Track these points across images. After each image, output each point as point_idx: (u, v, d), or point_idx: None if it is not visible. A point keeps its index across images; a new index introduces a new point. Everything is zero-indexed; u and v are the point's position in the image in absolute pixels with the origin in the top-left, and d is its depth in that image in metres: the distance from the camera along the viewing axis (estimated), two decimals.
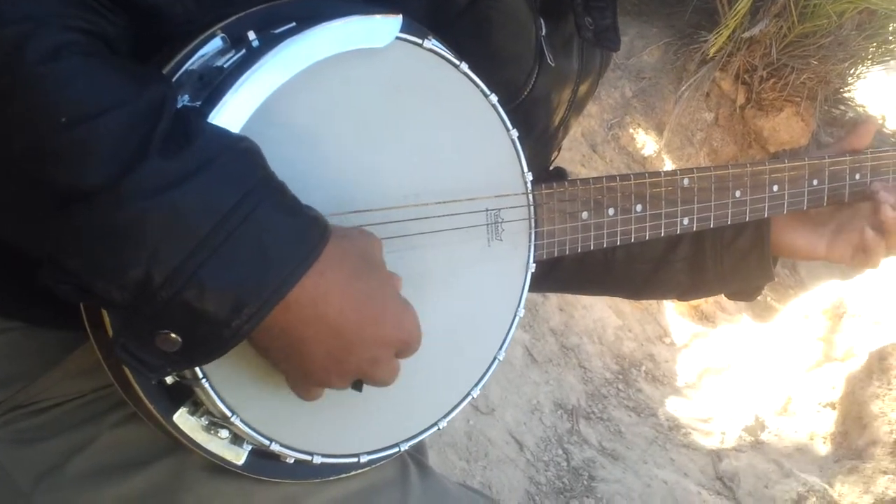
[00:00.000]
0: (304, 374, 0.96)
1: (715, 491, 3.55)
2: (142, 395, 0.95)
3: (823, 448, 3.93)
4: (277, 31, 0.97)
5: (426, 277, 1.11)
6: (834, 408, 4.00)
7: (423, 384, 1.19)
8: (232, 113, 0.91)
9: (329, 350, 0.92)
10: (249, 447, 1.04)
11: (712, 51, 5.30)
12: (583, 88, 1.49)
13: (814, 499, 3.51)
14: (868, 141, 1.63)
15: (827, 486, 3.61)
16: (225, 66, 0.93)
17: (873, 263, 1.53)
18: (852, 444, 3.86)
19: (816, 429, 3.99)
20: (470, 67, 1.14)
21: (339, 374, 0.96)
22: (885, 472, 3.64)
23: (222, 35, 0.95)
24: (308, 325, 0.89)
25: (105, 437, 1.10)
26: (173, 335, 0.83)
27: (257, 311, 0.84)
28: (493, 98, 1.18)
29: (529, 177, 1.25)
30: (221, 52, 0.95)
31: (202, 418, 0.99)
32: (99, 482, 1.09)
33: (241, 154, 0.86)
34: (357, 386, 1.00)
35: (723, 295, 1.74)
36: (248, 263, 0.83)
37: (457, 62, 1.13)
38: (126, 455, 1.11)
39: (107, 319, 0.89)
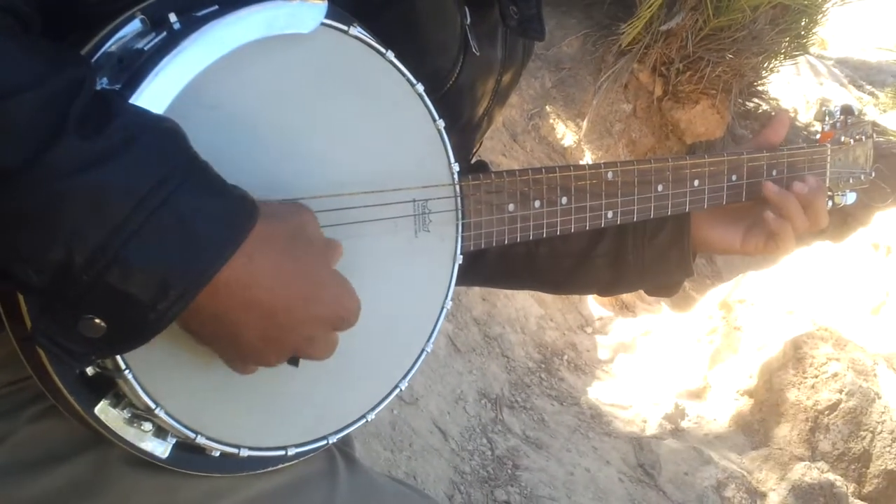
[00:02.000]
0: (239, 354, 0.94)
1: (636, 479, 3.60)
2: (61, 387, 0.92)
3: (741, 435, 4.00)
4: (199, 13, 0.94)
5: (353, 269, 1.09)
6: (751, 396, 4.07)
7: (351, 376, 1.17)
8: (153, 96, 0.88)
9: (263, 332, 0.90)
10: (174, 440, 1.01)
11: (625, 42, 5.36)
12: (506, 78, 1.49)
13: (733, 485, 3.57)
14: (783, 135, 1.67)
15: (746, 473, 3.68)
16: (145, 48, 0.90)
17: (784, 247, 1.56)
18: (769, 431, 3.93)
19: (734, 416, 4.06)
20: (396, 56, 1.13)
21: (275, 352, 0.94)
22: (801, 459, 3.72)
23: (141, 17, 0.92)
24: (239, 308, 0.87)
25: (22, 432, 1.06)
26: (97, 320, 0.80)
27: (184, 294, 0.81)
28: (420, 87, 1.17)
29: (456, 167, 1.24)
30: (141, 35, 0.92)
31: (124, 410, 0.96)
32: (17, 478, 1.06)
33: (163, 133, 0.83)
34: (293, 361, 0.98)
35: (643, 291, 1.76)
36: (172, 244, 0.80)
37: (383, 50, 1.11)
38: (45, 450, 1.07)
39: (24, 307, 0.86)
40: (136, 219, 0.78)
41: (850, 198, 1.79)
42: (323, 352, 0.98)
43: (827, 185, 1.71)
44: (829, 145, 1.73)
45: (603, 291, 1.76)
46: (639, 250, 1.61)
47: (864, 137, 1.81)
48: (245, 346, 0.91)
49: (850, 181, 1.81)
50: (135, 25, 0.92)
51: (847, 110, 1.79)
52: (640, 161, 1.47)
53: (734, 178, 1.57)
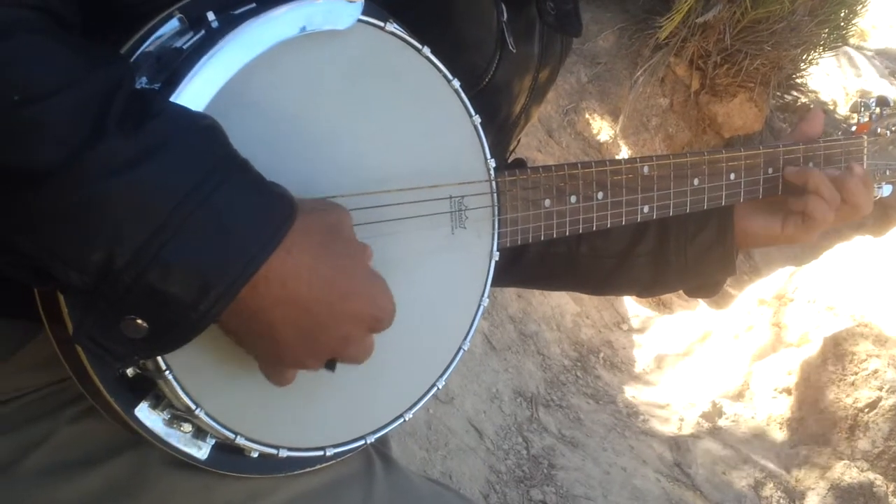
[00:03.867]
0: (277, 355, 0.93)
1: (673, 478, 3.58)
2: (101, 388, 0.92)
3: (780, 434, 3.97)
4: (237, 12, 0.94)
5: (390, 266, 1.08)
6: (790, 394, 4.04)
7: (389, 376, 1.17)
8: (192, 95, 0.88)
9: (301, 329, 0.90)
10: (213, 441, 1.01)
11: (663, 35, 5.33)
12: (543, 75, 1.48)
13: (771, 484, 3.54)
14: (819, 128, 1.66)
15: (784, 472, 3.65)
16: (184, 47, 0.90)
17: (820, 222, 1.54)
18: (808, 429, 3.90)
19: (773, 415, 4.03)
20: (432, 52, 1.12)
21: (312, 353, 0.94)
22: (840, 458, 3.69)
23: (179, 16, 0.92)
24: (278, 305, 0.87)
25: (62, 433, 1.07)
26: (139, 321, 0.80)
27: (225, 293, 0.81)
28: (456, 83, 1.17)
29: (493, 164, 1.24)
30: (179, 34, 0.92)
31: (164, 412, 0.96)
32: (56, 479, 1.06)
33: (203, 131, 0.83)
34: (330, 366, 0.97)
35: (683, 292, 1.75)
36: (212, 243, 0.80)
37: (419, 46, 1.11)
38: (84, 451, 1.07)
39: (64, 308, 0.86)
40: (177, 219, 0.78)
41: (887, 190, 1.77)
42: (359, 353, 0.98)
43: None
44: (865, 136, 1.71)
45: (643, 292, 1.75)
46: (681, 250, 1.59)
47: None
48: (283, 343, 0.91)
49: (887, 173, 1.79)
50: (173, 24, 0.92)
51: (883, 101, 1.77)
52: (675, 155, 1.46)
53: (770, 170, 1.56)
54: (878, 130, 1.75)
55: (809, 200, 1.53)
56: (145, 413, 0.95)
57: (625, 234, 1.58)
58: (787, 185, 1.58)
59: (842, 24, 6.36)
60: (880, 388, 3.77)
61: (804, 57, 6.19)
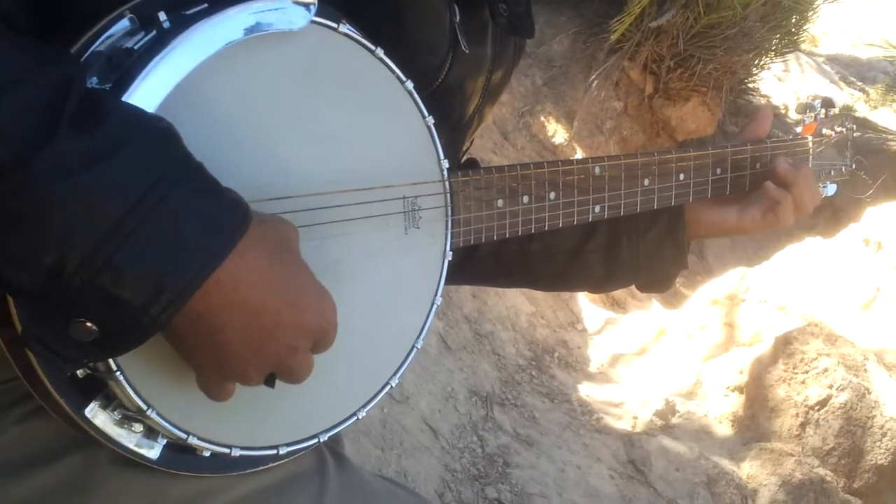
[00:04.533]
0: (220, 363, 0.92)
1: (627, 475, 3.60)
2: (50, 388, 0.90)
3: (732, 431, 4.01)
4: (189, 12, 0.93)
5: (343, 266, 1.09)
6: (742, 392, 4.08)
7: (342, 374, 1.16)
8: (144, 96, 0.87)
9: (248, 337, 0.89)
10: (164, 441, 1.00)
11: (614, 37, 5.37)
12: (497, 76, 1.49)
13: (723, 481, 3.58)
14: (767, 128, 1.68)
15: (736, 469, 3.69)
16: (135, 47, 0.89)
17: (784, 219, 1.56)
18: (760, 427, 3.94)
19: (725, 412, 4.07)
20: (385, 53, 1.13)
21: (257, 363, 0.92)
22: (791, 455, 3.73)
23: (130, 16, 0.91)
24: (227, 309, 0.86)
25: (9, 433, 1.05)
26: (89, 324, 0.79)
27: (177, 297, 0.80)
28: (409, 84, 1.16)
29: (446, 164, 1.24)
30: (130, 34, 0.91)
31: (115, 412, 0.95)
32: (3, 479, 1.04)
33: (158, 134, 0.82)
34: (270, 382, 0.97)
35: (635, 287, 1.76)
36: (165, 247, 0.79)
37: (372, 47, 1.11)
38: (32, 451, 1.05)
39: (13, 310, 0.84)
40: (130, 222, 0.77)
41: (831, 189, 1.81)
42: (302, 368, 0.96)
43: None
44: (810, 138, 1.74)
45: (596, 288, 1.75)
46: (633, 245, 1.60)
47: (844, 130, 1.83)
48: (228, 351, 0.89)
49: (832, 173, 1.82)
50: (124, 24, 0.91)
51: (828, 103, 1.80)
52: (626, 155, 1.47)
53: (719, 171, 1.58)
54: (824, 131, 1.78)
55: (783, 196, 1.55)
56: (95, 413, 0.94)
57: (576, 231, 1.58)
58: (758, 180, 1.61)
59: (793, 29, 6.44)
60: (830, 387, 3.82)
61: (756, 62, 6.27)
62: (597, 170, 1.42)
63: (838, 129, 1.81)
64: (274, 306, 0.89)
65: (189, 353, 0.91)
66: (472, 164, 1.55)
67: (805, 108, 1.80)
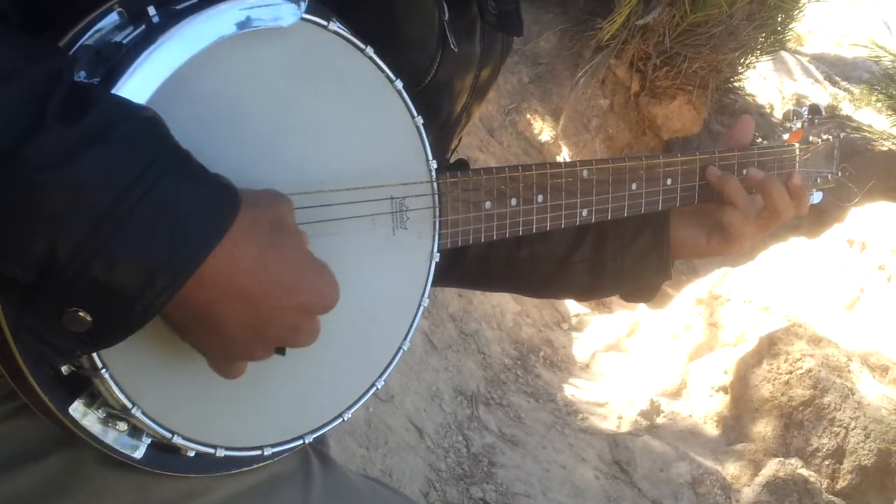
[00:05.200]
0: (225, 348, 0.93)
1: (612, 475, 3.61)
2: (35, 385, 0.89)
3: (716, 431, 4.02)
4: (179, 7, 0.93)
5: (330, 265, 1.08)
6: (726, 392, 4.10)
7: (328, 375, 1.16)
8: (132, 91, 0.87)
9: (247, 324, 0.89)
10: (149, 440, 1.00)
11: (605, 38, 5.38)
12: (485, 74, 1.48)
13: (707, 481, 3.59)
14: (749, 136, 1.68)
15: (720, 469, 3.70)
16: (124, 41, 0.89)
17: (736, 237, 1.57)
18: (744, 427, 3.96)
19: (709, 412, 4.09)
20: (375, 52, 1.12)
21: (261, 344, 0.93)
22: (775, 455, 3.75)
23: (119, 10, 0.90)
24: (224, 298, 0.86)
25: None
26: (82, 313, 0.79)
27: (171, 283, 0.80)
28: (399, 84, 1.16)
29: (434, 165, 1.23)
30: (119, 28, 0.90)
31: (99, 410, 0.95)
32: None
33: (144, 122, 0.82)
34: (280, 351, 0.97)
35: (619, 297, 1.77)
36: (157, 234, 0.79)
37: (362, 46, 1.10)
38: (15, 449, 1.04)
39: None
40: (120, 209, 0.77)
41: (817, 197, 1.81)
42: (307, 338, 0.97)
43: None
44: (797, 145, 1.74)
45: (581, 296, 1.77)
46: (618, 256, 1.61)
47: (831, 137, 1.83)
48: (230, 336, 0.90)
49: (818, 180, 1.82)
50: (112, 18, 0.90)
51: (815, 110, 1.80)
52: (614, 159, 1.48)
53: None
54: (810, 139, 1.78)
55: (725, 212, 1.55)
56: (80, 411, 0.93)
57: (564, 240, 1.59)
58: (708, 190, 1.61)
59: (779, 28, 6.47)
60: (814, 387, 3.84)
61: (742, 61, 6.29)
62: (585, 173, 1.42)
63: (825, 137, 1.81)
64: (271, 293, 0.89)
65: (195, 340, 0.92)
66: (462, 164, 1.55)
67: (792, 114, 1.80)
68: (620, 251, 1.61)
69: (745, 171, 1.61)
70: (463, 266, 1.58)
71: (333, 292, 0.97)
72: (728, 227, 1.55)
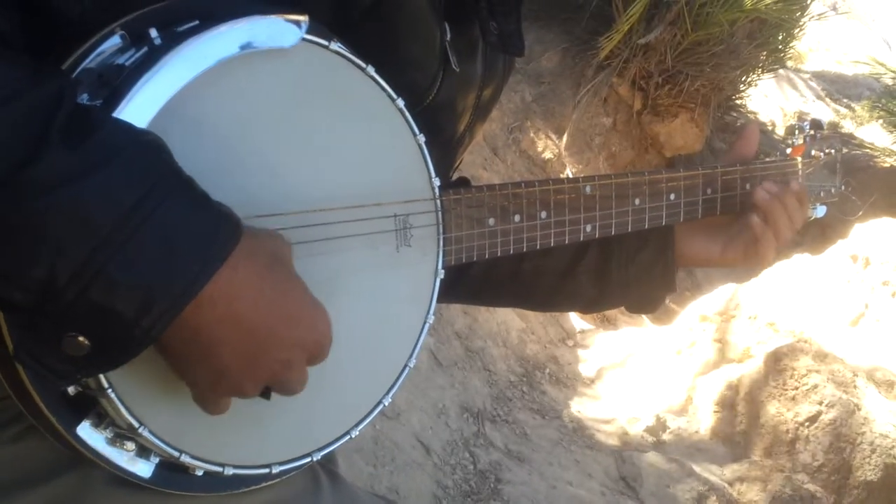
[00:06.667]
0: (215, 379, 0.91)
1: (618, 491, 3.60)
2: (42, 407, 0.90)
3: (722, 447, 4.01)
4: (180, 29, 0.93)
5: (335, 284, 1.08)
6: (732, 408, 4.08)
7: (335, 392, 1.16)
8: (134, 113, 0.87)
9: (243, 351, 0.88)
10: (157, 459, 0.99)
11: (603, 54, 5.40)
12: (487, 93, 1.49)
13: (714, 497, 3.58)
14: (755, 146, 1.68)
15: (726, 485, 3.69)
16: (126, 64, 0.89)
17: (764, 255, 1.57)
18: (750, 443, 3.95)
19: (715, 428, 4.07)
20: (376, 71, 1.12)
21: (252, 378, 0.92)
22: (781, 471, 3.73)
23: (121, 32, 0.90)
24: (221, 324, 0.85)
25: (0, 453, 1.05)
26: (80, 338, 0.78)
27: (169, 309, 0.80)
28: (400, 102, 1.15)
29: (437, 182, 1.23)
30: (121, 50, 0.90)
31: (107, 430, 0.94)
32: None
33: (147, 147, 0.82)
34: (266, 394, 0.96)
35: (624, 308, 1.76)
36: (156, 260, 0.79)
37: (363, 65, 1.10)
38: (24, 470, 1.04)
39: (3, 326, 0.84)
40: (120, 234, 0.77)
41: (821, 211, 1.80)
42: (296, 382, 0.96)
43: None
44: (800, 159, 1.75)
45: (586, 308, 1.75)
46: (623, 266, 1.61)
47: (833, 151, 1.83)
48: (222, 366, 0.89)
49: (821, 195, 1.82)
50: (114, 41, 0.90)
51: (817, 125, 1.80)
52: (617, 175, 1.47)
53: (709, 191, 1.58)
54: (813, 153, 1.78)
55: (764, 232, 1.55)
56: (87, 432, 0.93)
57: (567, 252, 1.59)
58: (749, 200, 1.60)
59: (779, 46, 6.48)
60: (820, 403, 3.83)
61: (743, 79, 6.31)
62: (588, 189, 1.42)
63: (827, 151, 1.81)
64: (268, 321, 0.89)
65: (184, 368, 0.91)
66: (463, 182, 1.55)
67: (794, 129, 1.80)
68: (625, 261, 1.61)
69: (747, 186, 1.62)
70: (466, 282, 1.58)
71: (328, 332, 0.96)
72: (761, 246, 1.56)
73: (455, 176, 1.57)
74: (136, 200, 0.78)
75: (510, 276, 1.61)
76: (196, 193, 0.84)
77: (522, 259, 1.58)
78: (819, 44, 10.05)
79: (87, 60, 0.89)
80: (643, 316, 5.14)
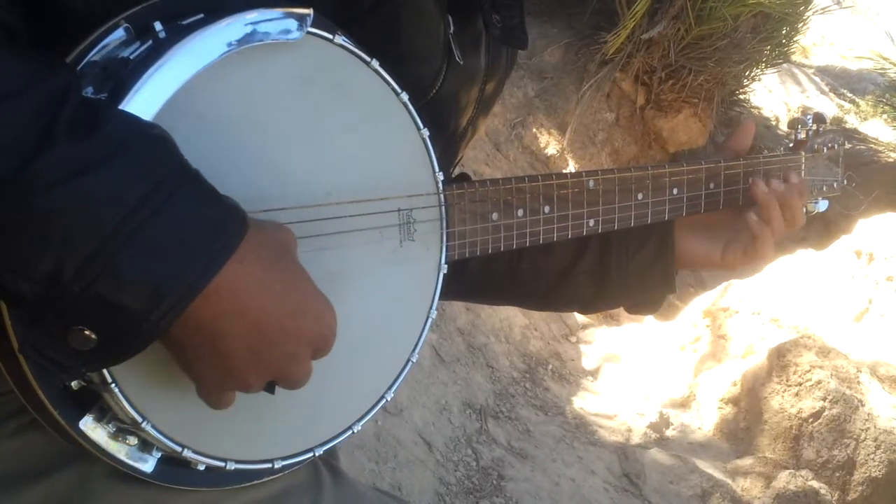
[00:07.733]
0: (221, 373, 0.91)
1: (622, 488, 3.60)
2: (45, 401, 0.90)
3: (726, 444, 4.01)
4: (185, 22, 0.93)
5: (338, 278, 1.08)
6: (735, 404, 4.08)
7: (337, 388, 1.15)
8: (139, 106, 0.87)
9: (249, 344, 0.88)
10: (159, 454, 0.99)
11: (610, 51, 5.38)
12: (490, 87, 1.48)
13: (718, 493, 3.58)
14: (749, 142, 1.68)
15: (730, 481, 3.69)
16: (131, 57, 0.89)
17: (763, 252, 1.56)
18: (753, 439, 3.94)
19: (719, 425, 4.07)
20: (380, 65, 1.12)
21: (257, 371, 0.92)
22: (785, 467, 3.73)
23: (125, 25, 0.90)
24: (228, 317, 0.85)
25: (3, 446, 1.04)
26: (87, 332, 0.78)
27: (178, 303, 0.80)
28: (405, 96, 1.15)
29: (441, 177, 1.23)
30: (125, 43, 0.90)
31: (109, 425, 0.94)
32: None
33: (153, 141, 0.82)
34: (269, 388, 0.96)
35: (623, 309, 1.76)
36: (164, 254, 0.79)
37: (368, 59, 1.10)
38: (26, 464, 1.04)
39: (7, 320, 0.84)
40: (127, 227, 0.77)
41: (823, 205, 1.80)
42: (301, 375, 0.96)
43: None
44: (803, 153, 1.74)
45: (585, 308, 1.75)
46: (622, 266, 1.60)
47: (836, 146, 1.83)
48: (229, 359, 0.89)
49: (824, 189, 1.82)
50: (119, 34, 0.90)
51: (819, 118, 1.80)
52: (620, 169, 1.47)
53: (712, 185, 1.58)
54: (815, 147, 1.78)
55: (762, 230, 1.56)
56: (90, 426, 0.93)
57: (566, 252, 1.59)
58: (733, 199, 1.60)
59: (783, 41, 6.48)
60: (824, 399, 3.83)
61: (747, 73, 6.30)
62: (591, 183, 1.42)
63: (830, 145, 1.81)
64: (274, 314, 0.89)
65: (189, 362, 0.90)
66: (464, 178, 1.55)
67: (796, 123, 1.79)
68: (624, 262, 1.60)
69: (749, 180, 1.61)
70: (464, 279, 1.57)
71: (333, 325, 0.96)
72: (759, 244, 1.56)
73: (456, 171, 1.57)
74: (143, 194, 0.78)
75: (507, 276, 1.61)
76: (203, 187, 0.84)
77: (520, 258, 1.59)
78: (823, 38, 10.04)
79: (92, 53, 0.89)
80: None
